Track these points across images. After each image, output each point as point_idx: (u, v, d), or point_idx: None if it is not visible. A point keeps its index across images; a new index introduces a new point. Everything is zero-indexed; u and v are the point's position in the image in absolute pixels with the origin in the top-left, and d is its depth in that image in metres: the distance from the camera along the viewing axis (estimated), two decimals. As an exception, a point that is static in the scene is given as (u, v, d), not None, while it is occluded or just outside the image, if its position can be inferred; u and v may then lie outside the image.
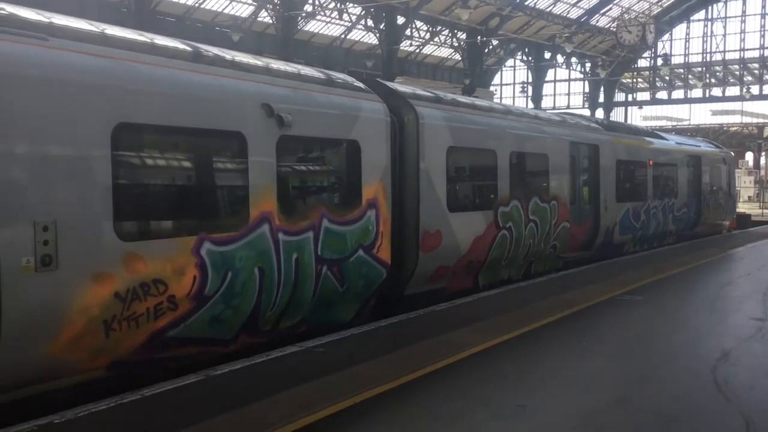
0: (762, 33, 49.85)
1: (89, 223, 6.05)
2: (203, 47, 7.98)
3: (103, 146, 6.12)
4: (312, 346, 7.75)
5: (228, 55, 8.18)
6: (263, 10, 34.47)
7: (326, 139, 8.92)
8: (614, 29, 39.07)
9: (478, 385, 6.51)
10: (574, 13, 45.79)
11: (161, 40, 7.50)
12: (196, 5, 34.93)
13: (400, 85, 11.46)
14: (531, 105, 48.16)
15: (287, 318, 8.40)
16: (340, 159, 9.28)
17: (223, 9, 35.84)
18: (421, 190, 10.24)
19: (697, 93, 52.57)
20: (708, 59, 51.60)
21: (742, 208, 38.03)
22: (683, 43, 52.29)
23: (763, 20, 49.90)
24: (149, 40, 7.26)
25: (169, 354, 6.99)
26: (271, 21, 34.53)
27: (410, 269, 10.25)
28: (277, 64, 8.94)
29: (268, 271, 7.78)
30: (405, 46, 41.43)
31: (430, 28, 41.95)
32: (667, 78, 53.09)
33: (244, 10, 36.16)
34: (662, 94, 54.58)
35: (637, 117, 54.29)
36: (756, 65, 51.24)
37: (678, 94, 53.75)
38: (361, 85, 9.83)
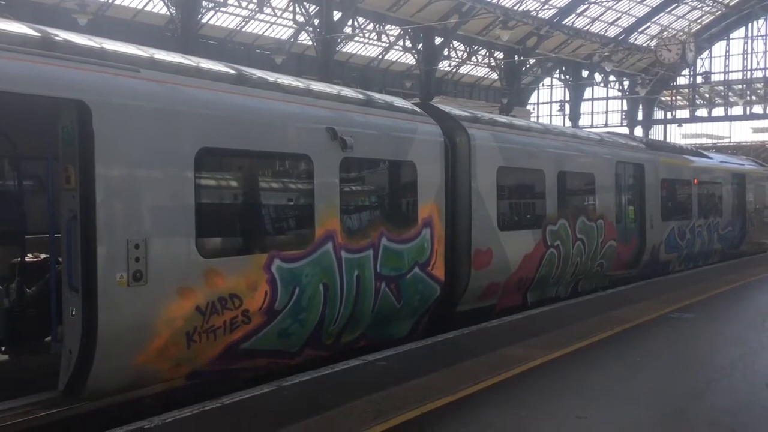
0: (803, 49, 49.30)
1: (175, 241, 6.48)
2: (272, 75, 8.41)
3: (188, 169, 6.56)
4: (374, 359, 8.06)
5: (294, 81, 8.61)
6: (303, 32, 35.17)
7: (385, 161, 9.29)
8: (653, 47, 38.98)
9: (539, 398, 6.75)
10: (612, 32, 45.78)
11: (236, 69, 7.93)
12: (238, 28, 35.82)
13: (452, 108, 11.81)
14: (569, 123, 48.09)
15: (348, 332, 8.74)
16: (398, 179, 9.65)
17: (264, 32, 36.68)
18: (473, 209, 10.54)
19: (737, 110, 52.03)
20: (748, 76, 51.11)
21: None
22: (723, 60, 51.87)
23: (804, 36, 49.39)
24: (233, 71, 7.71)
25: (241, 365, 7.37)
26: (310, 43, 35.21)
27: (462, 286, 10.52)
28: (338, 90, 9.35)
29: (331, 286, 8.14)
30: (442, 65, 41.79)
31: (468, 48, 42.29)
32: (707, 95, 52.65)
33: (283, 33, 36.98)
34: (702, 112, 54.08)
35: (676, 135, 53.89)
36: (798, 81, 50.62)
37: (718, 111, 53.24)
38: (416, 108, 10.21)
